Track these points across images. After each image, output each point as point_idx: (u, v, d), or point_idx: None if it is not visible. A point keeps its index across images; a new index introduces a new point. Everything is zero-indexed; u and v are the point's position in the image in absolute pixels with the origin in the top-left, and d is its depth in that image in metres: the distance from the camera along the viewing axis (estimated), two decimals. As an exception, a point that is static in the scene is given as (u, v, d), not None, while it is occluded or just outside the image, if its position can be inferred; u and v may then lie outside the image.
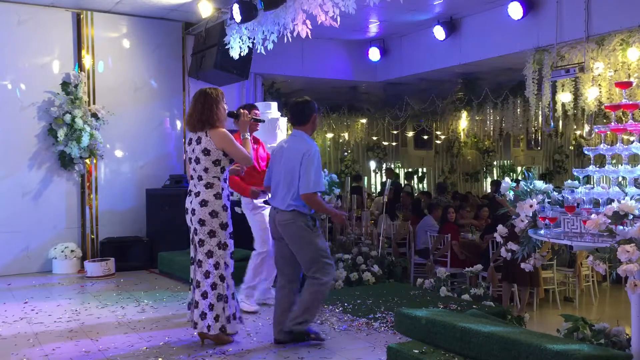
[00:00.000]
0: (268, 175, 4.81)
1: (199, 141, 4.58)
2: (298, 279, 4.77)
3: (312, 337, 4.67)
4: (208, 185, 4.56)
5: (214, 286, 4.54)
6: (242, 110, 4.89)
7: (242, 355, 4.51)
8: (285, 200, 4.52)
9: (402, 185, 14.51)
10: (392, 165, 16.45)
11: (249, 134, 4.85)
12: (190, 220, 4.63)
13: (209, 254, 4.56)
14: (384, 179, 15.40)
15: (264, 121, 5.67)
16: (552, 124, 8.40)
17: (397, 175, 15.55)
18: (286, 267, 4.72)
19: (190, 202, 4.62)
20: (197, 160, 4.58)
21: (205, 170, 4.56)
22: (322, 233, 4.83)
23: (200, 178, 4.59)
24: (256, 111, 5.77)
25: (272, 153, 4.77)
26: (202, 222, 4.53)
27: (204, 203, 4.53)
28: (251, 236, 7.54)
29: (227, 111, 4.74)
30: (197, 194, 4.57)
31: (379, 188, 15.35)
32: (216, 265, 4.56)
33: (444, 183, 14.84)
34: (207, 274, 4.55)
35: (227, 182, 4.71)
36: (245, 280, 5.89)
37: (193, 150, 4.61)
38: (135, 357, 4.49)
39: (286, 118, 7.80)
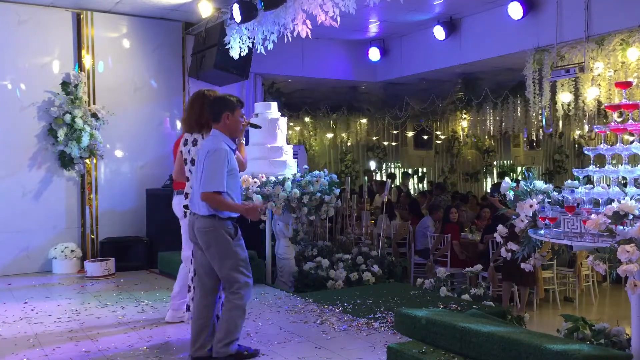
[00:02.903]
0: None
1: (195, 143, 4.61)
2: (218, 291, 4.32)
3: (245, 355, 4.31)
4: None
5: None
6: None
7: (242, 355, 4.51)
8: (200, 204, 4.12)
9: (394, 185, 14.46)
10: (392, 165, 16.47)
11: (244, 138, 4.86)
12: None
13: None
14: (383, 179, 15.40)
15: (260, 127, 5.58)
16: (550, 127, 8.41)
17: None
18: (206, 278, 4.26)
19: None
20: (193, 162, 4.60)
21: None
22: (244, 243, 4.24)
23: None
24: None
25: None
26: None
27: None
28: (251, 236, 7.53)
29: None
30: None
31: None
32: None
33: (442, 183, 14.86)
34: None
35: None
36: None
37: (189, 152, 4.65)
38: (135, 357, 4.49)
39: (286, 118, 7.82)
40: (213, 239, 4.10)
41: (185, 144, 4.71)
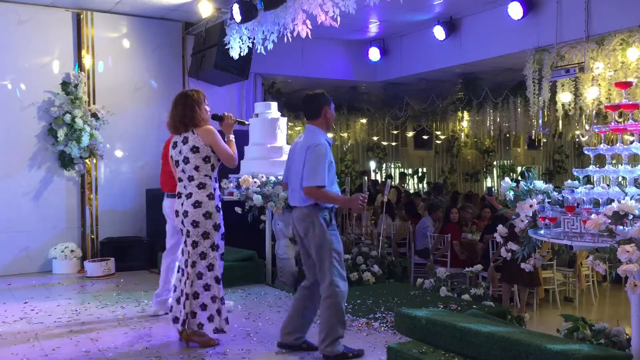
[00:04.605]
0: (286, 173, 4.61)
1: (185, 141, 4.55)
2: (316, 287, 4.46)
3: (351, 356, 4.31)
4: (200, 186, 4.52)
5: (207, 287, 4.55)
6: (226, 113, 4.90)
7: (242, 355, 4.50)
8: (298, 196, 4.33)
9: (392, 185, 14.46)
10: (392, 165, 16.47)
11: (233, 135, 4.87)
12: (182, 222, 4.58)
13: (202, 256, 4.54)
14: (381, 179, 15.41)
15: (248, 123, 5.67)
16: (547, 127, 8.40)
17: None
18: (310, 268, 4.47)
19: (182, 205, 4.57)
20: (186, 160, 4.54)
21: (196, 168, 4.52)
22: (339, 235, 4.55)
23: (191, 178, 4.54)
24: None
25: (289, 151, 4.60)
26: (195, 224, 4.50)
27: (197, 204, 4.49)
28: (251, 236, 7.53)
29: (210, 113, 4.77)
30: (189, 195, 4.52)
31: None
32: (210, 267, 4.55)
33: (439, 183, 14.88)
34: (199, 275, 4.55)
35: (218, 181, 4.69)
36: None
37: (180, 152, 4.58)
38: (135, 357, 4.49)
39: (286, 118, 7.82)
40: (310, 225, 4.28)
41: (175, 146, 4.66)
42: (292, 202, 4.45)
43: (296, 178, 4.34)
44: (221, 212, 4.62)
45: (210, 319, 4.55)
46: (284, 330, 4.52)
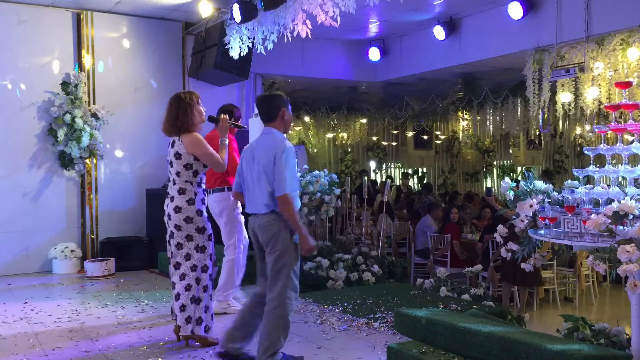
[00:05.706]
0: (237, 181, 4.28)
1: (172, 144, 4.64)
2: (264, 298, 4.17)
3: None
4: (181, 191, 4.59)
5: (188, 288, 4.58)
6: (222, 116, 4.90)
7: (242, 355, 4.50)
8: (261, 203, 4.03)
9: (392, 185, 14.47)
10: (392, 165, 16.47)
11: (227, 139, 4.85)
12: (167, 223, 4.68)
13: (187, 257, 4.61)
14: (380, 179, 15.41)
15: (244, 127, 5.66)
16: (547, 127, 8.39)
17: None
18: (261, 279, 4.21)
19: (167, 206, 4.67)
20: (171, 164, 4.65)
21: (178, 174, 4.60)
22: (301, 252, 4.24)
23: (174, 182, 4.64)
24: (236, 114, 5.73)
25: (242, 156, 4.27)
26: (178, 228, 4.59)
27: (177, 209, 4.57)
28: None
29: (205, 115, 4.78)
30: (172, 199, 4.62)
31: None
32: (193, 268, 4.60)
33: (429, 183, 14.94)
34: (182, 276, 4.60)
35: (202, 185, 4.71)
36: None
37: (169, 153, 4.69)
38: (135, 357, 4.49)
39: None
40: (276, 232, 3.99)
41: (173, 145, 4.71)
42: (252, 209, 4.12)
43: (259, 183, 4.03)
44: (205, 214, 4.66)
45: (188, 320, 4.57)
46: (228, 338, 4.19)
